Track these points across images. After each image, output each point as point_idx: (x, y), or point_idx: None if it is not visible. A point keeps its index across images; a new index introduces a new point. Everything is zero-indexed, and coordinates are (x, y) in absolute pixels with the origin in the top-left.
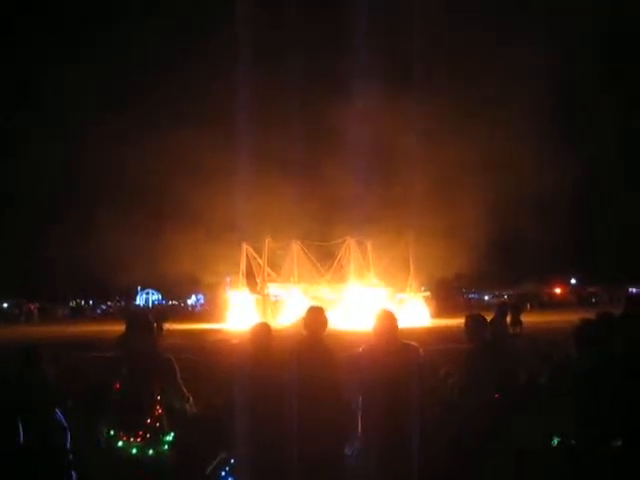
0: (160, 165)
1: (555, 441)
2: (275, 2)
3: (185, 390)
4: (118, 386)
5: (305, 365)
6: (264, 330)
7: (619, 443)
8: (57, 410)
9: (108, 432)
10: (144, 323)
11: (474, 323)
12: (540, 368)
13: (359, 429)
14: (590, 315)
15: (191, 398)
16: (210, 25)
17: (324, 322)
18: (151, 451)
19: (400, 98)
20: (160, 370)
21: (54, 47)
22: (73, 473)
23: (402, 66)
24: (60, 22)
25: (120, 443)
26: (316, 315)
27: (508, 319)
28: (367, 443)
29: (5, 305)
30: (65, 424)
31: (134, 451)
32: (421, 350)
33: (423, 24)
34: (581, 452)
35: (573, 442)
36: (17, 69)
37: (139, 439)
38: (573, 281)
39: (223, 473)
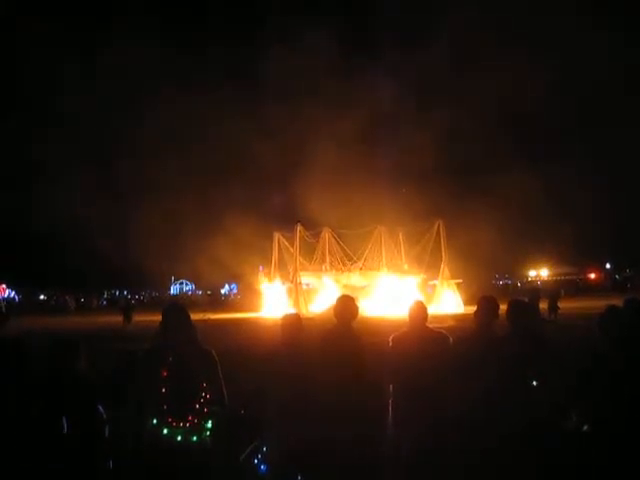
0: (198, 161)
1: (585, 427)
2: None
3: (223, 382)
4: (165, 374)
5: (334, 353)
6: (294, 320)
7: None
8: (98, 405)
9: (152, 421)
10: (180, 315)
11: (516, 309)
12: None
13: (390, 414)
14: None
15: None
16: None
17: (354, 311)
18: (195, 437)
19: (424, 96)
20: (203, 361)
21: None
22: (110, 462)
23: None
24: None
25: (165, 431)
26: (346, 304)
27: (544, 305)
28: (398, 427)
29: (42, 297)
30: (105, 417)
31: (179, 438)
32: (451, 339)
33: None
34: (609, 439)
35: (601, 428)
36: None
37: (188, 424)
38: (608, 266)
39: (256, 460)
